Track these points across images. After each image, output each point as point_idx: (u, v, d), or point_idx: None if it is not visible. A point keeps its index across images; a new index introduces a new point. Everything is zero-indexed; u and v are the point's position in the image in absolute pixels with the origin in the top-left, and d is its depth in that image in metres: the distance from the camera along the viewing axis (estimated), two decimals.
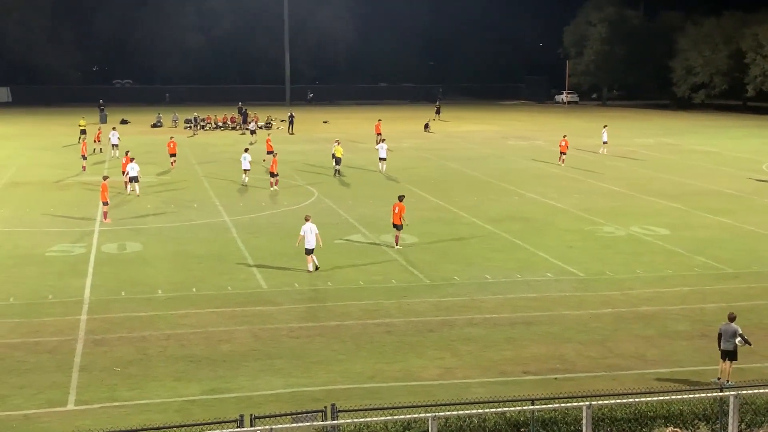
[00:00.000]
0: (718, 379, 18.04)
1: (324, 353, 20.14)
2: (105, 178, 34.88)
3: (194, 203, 38.65)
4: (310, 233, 26.93)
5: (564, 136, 53.66)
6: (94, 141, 56.90)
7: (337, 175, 46.74)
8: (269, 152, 48.02)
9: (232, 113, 78.81)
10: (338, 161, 47.20)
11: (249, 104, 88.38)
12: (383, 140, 49.93)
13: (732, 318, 18.14)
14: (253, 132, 64.61)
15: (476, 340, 21.04)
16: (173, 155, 49.92)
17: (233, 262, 28.13)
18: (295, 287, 25.47)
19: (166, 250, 29.74)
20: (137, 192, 40.43)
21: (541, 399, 14.81)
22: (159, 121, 77.13)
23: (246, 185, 43.21)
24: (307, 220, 27.39)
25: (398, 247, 30.08)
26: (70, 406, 17.14)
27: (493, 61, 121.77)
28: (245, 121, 73.99)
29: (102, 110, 79.94)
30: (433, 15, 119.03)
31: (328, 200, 39.51)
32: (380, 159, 48.82)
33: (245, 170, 43.66)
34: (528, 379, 18.68)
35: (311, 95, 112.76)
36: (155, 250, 29.85)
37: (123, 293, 24.69)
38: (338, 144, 48.18)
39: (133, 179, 40.57)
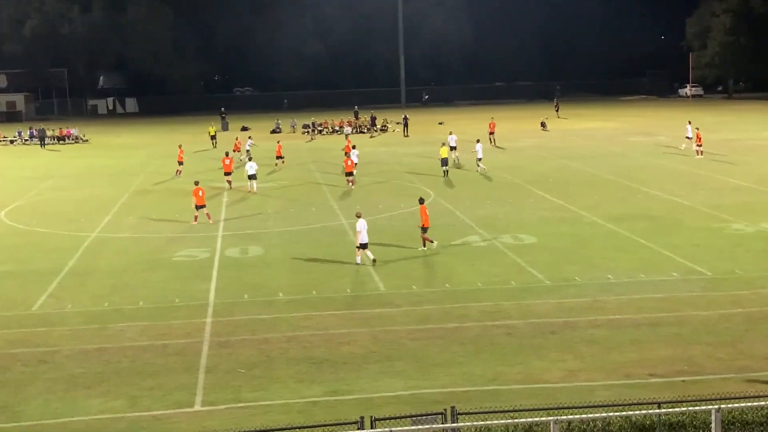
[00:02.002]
0: None
1: (444, 355, 20.03)
2: (196, 183, 36.12)
3: (312, 207, 39.19)
4: (363, 229, 27.97)
5: (696, 129, 52.34)
6: (234, 151, 57.27)
7: (445, 176, 46.66)
8: (347, 154, 49.35)
9: (348, 117, 79.73)
10: (444, 162, 47.10)
11: (365, 107, 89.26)
12: (478, 140, 49.71)
13: None
14: (347, 136, 64.67)
15: (600, 342, 20.55)
16: (280, 157, 52.84)
17: (352, 265, 28.34)
18: (413, 289, 25.46)
19: (286, 254, 30.22)
20: (254, 189, 43.15)
21: (668, 402, 14.31)
22: (278, 127, 78.68)
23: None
24: (358, 216, 28.55)
25: (425, 247, 29.94)
26: (197, 407, 17.57)
27: (612, 55, 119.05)
28: (373, 125, 75.38)
29: (223, 118, 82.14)
30: (549, 11, 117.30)
31: (445, 201, 39.40)
32: (477, 159, 48.51)
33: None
34: (654, 382, 18.10)
35: (426, 96, 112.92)
36: (276, 253, 30.38)
37: (246, 296, 25.20)
38: (444, 144, 48.55)
39: (252, 177, 43.33)
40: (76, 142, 72.91)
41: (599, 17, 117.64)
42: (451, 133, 54.12)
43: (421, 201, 30.96)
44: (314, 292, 25.39)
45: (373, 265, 27.85)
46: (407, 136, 70.96)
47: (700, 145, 51.29)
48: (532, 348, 20.32)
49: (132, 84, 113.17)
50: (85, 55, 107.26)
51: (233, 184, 44.82)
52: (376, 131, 75.25)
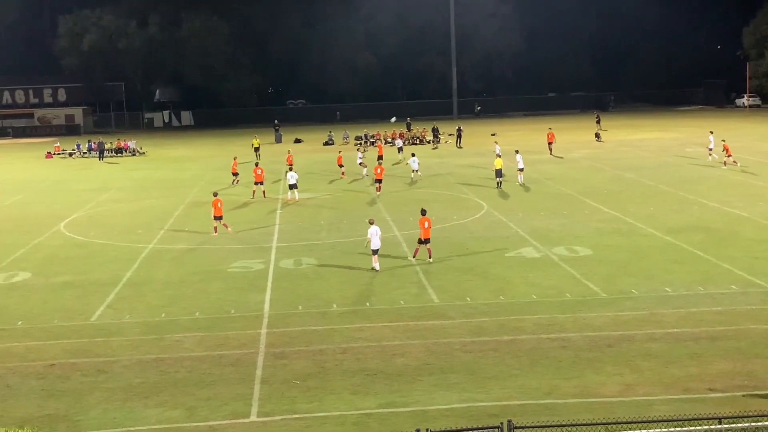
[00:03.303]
0: None
1: (498, 368, 19.92)
2: (215, 194, 36.86)
3: (366, 218, 39.16)
4: (375, 235, 28.82)
5: (723, 141, 51.90)
6: (287, 163, 56.47)
7: (499, 187, 46.54)
8: (380, 157, 51.04)
9: (400, 129, 79.77)
10: (498, 173, 47.01)
11: (417, 119, 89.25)
12: (517, 151, 49.57)
13: None
14: (400, 149, 64.30)
15: (658, 356, 20.26)
16: (341, 166, 54.32)
17: (405, 276, 28.31)
18: (467, 301, 25.37)
19: (340, 265, 30.33)
20: (296, 198, 44.62)
21: (729, 417, 14.05)
22: (330, 139, 79.09)
23: (414, 180, 49.72)
24: (371, 223, 29.49)
25: (415, 258, 30.37)
26: (253, 418, 17.69)
27: (667, 65, 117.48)
28: (435, 136, 75.30)
29: (277, 130, 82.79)
30: (602, 21, 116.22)
31: (498, 213, 39.22)
32: (519, 170, 48.20)
33: (414, 170, 50.99)
34: (714, 397, 17.80)
35: (479, 108, 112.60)
36: (329, 264, 30.50)
37: (300, 307, 25.34)
38: (499, 156, 49.10)
39: (292, 186, 44.83)
40: (133, 155, 74.06)
41: (654, 27, 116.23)
42: (495, 143, 57.21)
43: (423, 212, 30.86)
44: (368, 304, 25.44)
45: (373, 271, 28.96)
46: (460, 147, 70.84)
47: (730, 156, 50.57)
48: (588, 361, 20.11)
49: (187, 97, 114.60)
50: (142, 69, 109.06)
51: (268, 194, 46.54)
52: (438, 142, 75.09)
